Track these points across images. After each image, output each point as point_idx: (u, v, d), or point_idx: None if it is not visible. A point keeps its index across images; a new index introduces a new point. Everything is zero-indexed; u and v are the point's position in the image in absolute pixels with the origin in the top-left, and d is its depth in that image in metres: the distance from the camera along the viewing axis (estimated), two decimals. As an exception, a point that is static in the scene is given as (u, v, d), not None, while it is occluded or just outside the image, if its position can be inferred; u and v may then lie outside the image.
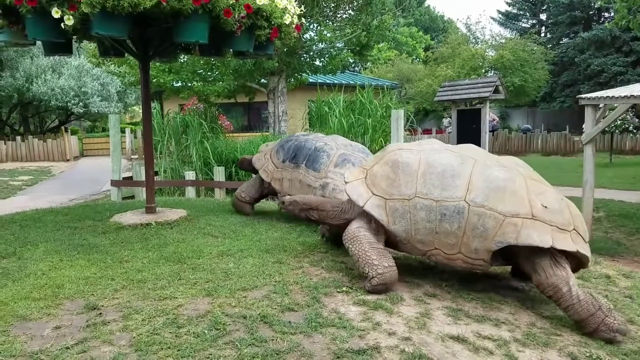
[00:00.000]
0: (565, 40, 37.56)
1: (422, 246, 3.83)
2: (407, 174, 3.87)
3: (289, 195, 5.13)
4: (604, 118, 8.94)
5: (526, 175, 3.79)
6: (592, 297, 3.41)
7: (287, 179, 5.77)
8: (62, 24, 4.01)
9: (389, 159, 4.04)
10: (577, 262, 3.72)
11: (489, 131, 28.16)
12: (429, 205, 3.72)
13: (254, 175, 6.66)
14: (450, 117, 27.22)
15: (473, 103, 14.90)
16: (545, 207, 3.58)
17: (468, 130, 14.47)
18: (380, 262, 3.71)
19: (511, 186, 3.64)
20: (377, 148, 9.98)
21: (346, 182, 4.19)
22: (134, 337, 2.86)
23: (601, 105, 8.91)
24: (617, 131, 20.67)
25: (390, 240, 3.98)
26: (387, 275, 3.68)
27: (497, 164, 3.82)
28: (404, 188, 3.84)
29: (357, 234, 3.90)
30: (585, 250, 3.59)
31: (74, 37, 4.90)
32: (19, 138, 24.11)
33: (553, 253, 3.54)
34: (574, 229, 3.60)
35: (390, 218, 3.85)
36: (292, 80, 14.56)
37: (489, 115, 28.72)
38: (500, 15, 43.62)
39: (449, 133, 27.37)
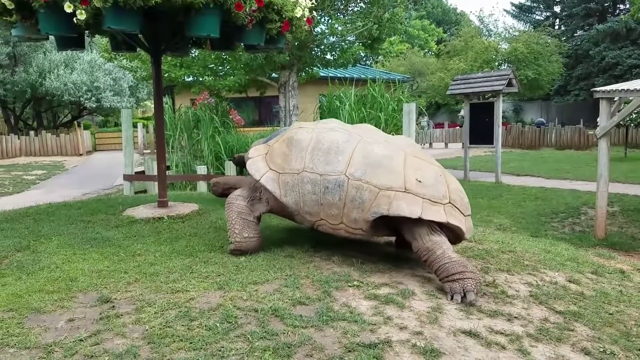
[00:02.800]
0: (579, 32, 37.15)
1: (310, 217, 4.14)
2: (299, 150, 4.19)
3: None
4: (618, 111, 8.84)
5: (409, 152, 4.02)
6: (464, 260, 3.65)
7: None
8: (74, 19, 4.03)
9: (287, 136, 4.35)
10: (454, 234, 3.90)
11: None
12: (314, 179, 4.03)
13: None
14: (429, 117, 27.26)
15: (486, 96, 14.79)
16: (420, 181, 3.81)
17: (481, 124, 14.37)
18: (240, 232, 4.22)
19: (388, 162, 3.89)
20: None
21: (249, 158, 4.44)
22: (146, 330, 2.88)
23: (616, 99, 8.80)
24: (632, 125, 20.43)
25: (286, 212, 4.32)
26: (243, 244, 4.21)
27: (380, 142, 4.07)
28: (294, 163, 4.16)
29: (234, 201, 4.35)
30: (459, 222, 3.78)
31: (86, 31, 4.93)
32: (32, 133, 24.39)
33: (430, 223, 3.74)
34: (449, 202, 3.82)
35: (282, 191, 4.17)
36: (303, 74, 14.52)
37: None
38: (513, 8, 43.23)
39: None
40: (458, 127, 28.50)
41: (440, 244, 3.70)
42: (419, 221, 3.73)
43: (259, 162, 4.36)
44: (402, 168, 3.87)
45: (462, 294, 3.50)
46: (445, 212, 3.75)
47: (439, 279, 3.67)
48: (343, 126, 4.36)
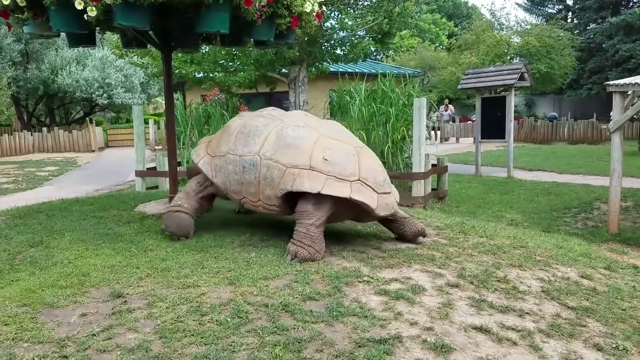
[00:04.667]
0: (592, 25, 36.68)
1: (235, 196, 4.53)
2: (227, 135, 4.60)
3: None
4: (632, 105, 8.73)
5: (325, 134, 4.32)
6: (319, 240, 4.04)
7: None
8: (85, 16, 4.04)
9: (225, 124, 4.81)
10: (363, 209, 4.15)
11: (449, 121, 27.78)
12: (235, 160, 4.41)
13: None
14: (438, 112, 26.95)
15: (498, 90, 14.66)
16: (326, 159, 4.09)
17: (492, 118, 14.25)
18: (176, 200, 4.75)
19: (297, 142, 4.20)
20: (398, 137, 9.89)
21: (195, 145, 4.93)
22: (158, 325, 2.90)
23: (629, 92, 8.70)
24: (646, 118, 20.18)
25: (222, 193, 4.72)
26: (173, 207, 4.68)
27: (297, 125, 4.37)
28: (222, 147, 4.57)
29: (190, 182, 4.87)
30: (366, 198, 4.04)
31: (97, 28, 4.94)
32: (45, 129, 24.55)
33: (319, 195, 4.03)
34: (358, 180, 4.08)
35: (213, 172, 4.60)
36: (313, 69, 14.48)
37: (449, 108, 28.13)
38: (525, 1, 42.75)
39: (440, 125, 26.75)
40: (470, 122, 28.19)
41: (311, 215, 4.07)
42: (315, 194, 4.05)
43: (200, 149, 4.86)
44: (310, 147, 4.17)
45: (293, 256, 3.98)
46: (352, 188, 4.02)
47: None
48: (272, 113, 4.70)
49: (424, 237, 4.68)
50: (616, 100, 8.61)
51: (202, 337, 2.75)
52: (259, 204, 4.40)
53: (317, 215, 4.09)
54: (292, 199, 4.27)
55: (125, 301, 3.25)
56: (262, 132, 4.39)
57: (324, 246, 4.08)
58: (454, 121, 28.16)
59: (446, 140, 27.01)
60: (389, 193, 4.28)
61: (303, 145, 4.19)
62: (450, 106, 29.08)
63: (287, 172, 4.13)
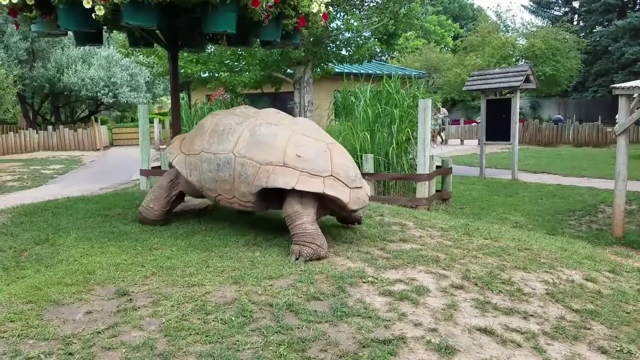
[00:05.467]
0: (598, 28, 36.59)
1: (211, 193, 4.59)
2: (201, 133, 4.65)
3: None
4: (638, 108, 8.71)
5: (298, 131, 4.38)
6: (317, 235, 4.04)
7: None
8: (93, 14, 4.07)
9: (198, 123, 4.89)
10: (336, 204, 4.24)
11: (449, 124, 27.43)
12: (210, 158, 4.46)
13: None
14: (443, 113, 26.60)
15: (503, 92, 14.64)
16: (299, 156, 4.16)
17: (497, 120, 14.23)
18: (148, 202, 4.99)
19: (270, 140, 4.27)
20: (403, 138, 9.89)
21: (169, 144, 5.04)
22: (163, 323, 2.91)
23: (635, 95, 8.68)
24: (652, 122, 20.09)
25: (196, 191, 4.79)
26: (143, 212, 5.01)
27: (270, 123, 4.43)
28: (196, 145, 4.62)
29: (162, 177, 5.11)
30: (339, 193, 4.11)
31: (105, 27, 4.97)
32: (50, 127, 24.62)
33: (302, 194, 4.11)
34: (331, 175, 4.16)
35: (188, 170, 4.66)
36: (319, 70, 14.50)
37: (441, 111, 27.66)
38: (531, 3, 42.70)
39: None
40: (475, 124, 28.07)
41: (301, 214, 4.10)
42: (293, 191, 4.11)
43: (174, 148, 4.93)
44: (284, 145, 4.23)
45: (297, 256, 3.97)
46: (325, 184, 4.10)
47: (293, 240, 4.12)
48: (245, 110, 4.74)
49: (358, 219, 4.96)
50: (622, 103, 8.60)
51: (207, 336, 2.76)
52: (234, 200, 4.46)
53: (306, 213, 4.14)
54: (267, 195, 4.35)
55: (131, 299, 3.26)
56: (235, 130, 4.45)
57: (325, 242, 4.10)
58: (444, 123, 27.75)
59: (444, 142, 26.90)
60: (361, 187, 4.37)
61: (276, 142, 4.26)
62: (443, 109, 28.80)
63: (261, 169, 4.20)
